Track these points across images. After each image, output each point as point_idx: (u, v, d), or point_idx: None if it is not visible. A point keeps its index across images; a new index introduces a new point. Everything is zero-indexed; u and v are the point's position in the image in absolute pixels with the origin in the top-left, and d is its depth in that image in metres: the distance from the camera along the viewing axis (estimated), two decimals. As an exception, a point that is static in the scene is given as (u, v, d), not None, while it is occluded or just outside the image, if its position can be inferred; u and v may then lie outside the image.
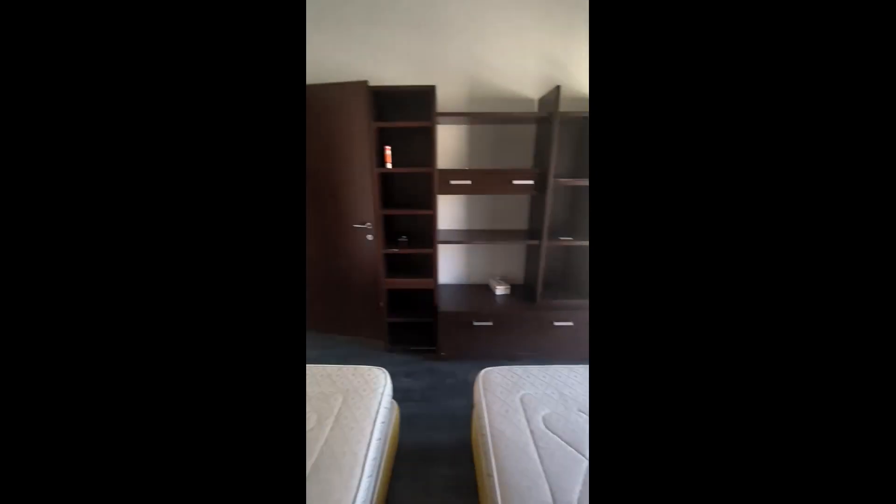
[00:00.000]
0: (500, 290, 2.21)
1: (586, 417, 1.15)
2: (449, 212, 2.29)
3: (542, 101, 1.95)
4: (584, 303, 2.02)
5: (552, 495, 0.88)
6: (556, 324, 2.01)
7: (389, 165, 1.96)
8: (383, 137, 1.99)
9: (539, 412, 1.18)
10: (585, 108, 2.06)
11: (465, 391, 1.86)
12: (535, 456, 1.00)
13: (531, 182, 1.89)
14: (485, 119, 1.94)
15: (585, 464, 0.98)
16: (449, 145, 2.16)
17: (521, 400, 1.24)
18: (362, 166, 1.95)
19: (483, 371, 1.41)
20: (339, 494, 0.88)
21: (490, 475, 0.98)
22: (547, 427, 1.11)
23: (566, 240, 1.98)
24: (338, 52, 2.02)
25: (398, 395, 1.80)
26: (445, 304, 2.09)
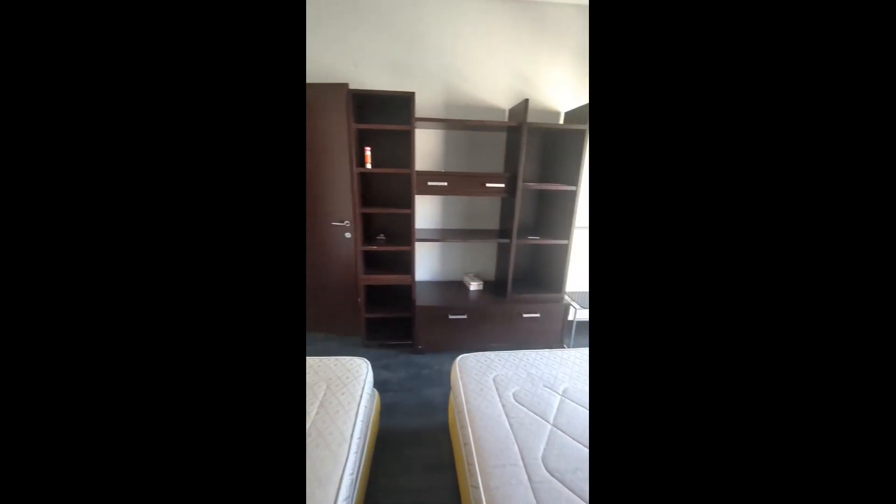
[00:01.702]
0: (474, 286, 2.35)
1: (550, 391, 1.31)
2: (426, 211, 2.40)
3: (512, 111, 2.13)
4: (550, 296, 2.22)
5: (520, 452, 1.02)
6: (525, 315, 2.18)
7: (369, 166, 2.03)
8: (363, 139, 2.06)
9: (510, 389, 1.32)
10: (551, 119, 2.28)
11: (442, 381, 1.96)
12: (507, 425, 1.14)
13: (502, 185, 2.05)
14: (460, 126, 2.08)
15: (549, 427, 1.13)
16: (426, 148, 2.28)
17: (494, 380, 1.37)
18: (342, 166, 2.00)
19: (459, 357, 1.53)
20: (330, 466, 0.95)
21: (467, 444, 1.10)
22: (516, 401, 1.26)
23: (534, 239, 2.17)
24: (320, 53, 2.06)
25: (377, 386, 1.87)
26: (422, 299, 2.19)
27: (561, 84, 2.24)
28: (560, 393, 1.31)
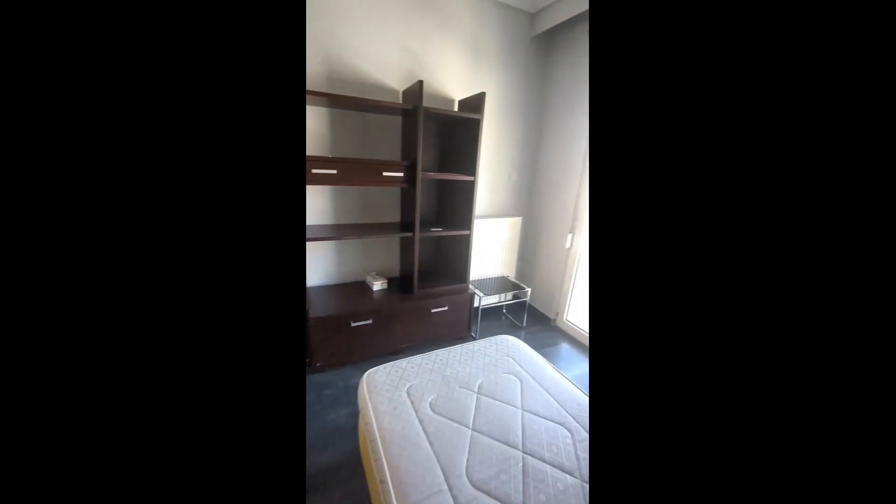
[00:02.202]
0: (377, 285, 2.15)
1: (466, 391, 1.26)
2: (314, 205, 2.04)
3: (406, 93, 1.97)
4: (456, 287, 2.21)
5: (444, 473, 0.93)
6: (434, 311, 2.12)
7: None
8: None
9: (426, 399, 1.21)
10: (445, 105, 2.21)
11: (349, 399, 1.73)
12: (426, 443, 1.03)
13: (401, 174, 1.89)
14: (348, 104, 1.79)
15: (469, 432, 1.07)
16: (307, 129, 1.90)
17: (408, 392, 1.24)
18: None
19: (366, 374, 1.34)
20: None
21: (384, 481, 0.94)
22: (434, 411, 1.16)
23: (437, 231, 2.10)
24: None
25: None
26: (317, 308, 1.87)
27: (452, 70, 2.18)
28: (476, 391, 1.28)
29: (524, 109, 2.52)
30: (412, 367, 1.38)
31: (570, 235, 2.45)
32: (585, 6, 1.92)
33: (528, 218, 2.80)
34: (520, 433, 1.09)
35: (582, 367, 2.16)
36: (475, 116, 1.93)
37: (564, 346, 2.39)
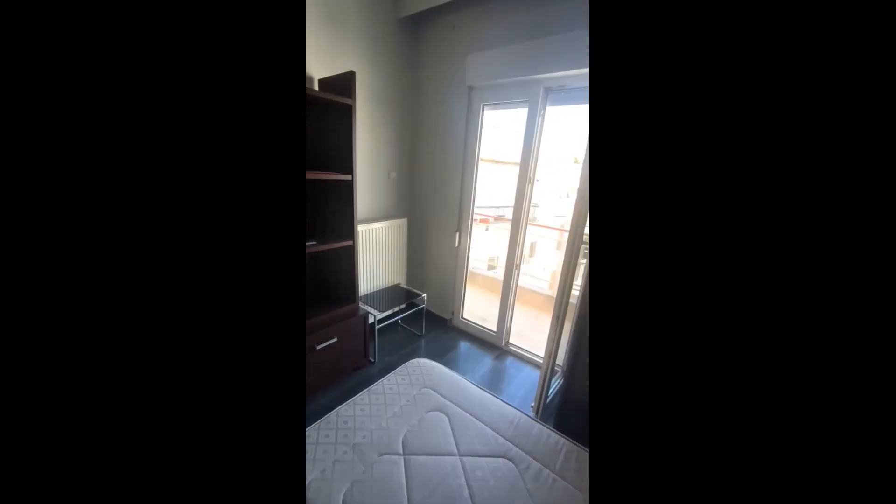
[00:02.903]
0: (228, 330, 1.52)
1: (390, 458, 0.98)
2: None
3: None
4: (345, 310, 1.82)
5: None
6: (319, 347, 1.67)
7: None
8: None
9: (336, 498, 0.86)
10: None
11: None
12: (352, 574, 0.71)
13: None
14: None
15: (409, 525, 0.82)
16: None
17: (309, 492, 0.86)
18: None
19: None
20: None
21: None
22: (353, 511, 0.83)
23: (311, 245, 1.64)
24: None
25: None
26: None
27: (307, 40, 1.71)
28: (401, 452, 1.01)
29: (398, 99, 2.29)
30: (311, 449, 0.98)
31: (457, 234, 2.43)
32: (449, -3, 1.83)
33: (413, 219, 2.63)
34: (467, 492, 0.90)
35: (486, 363, 2.20)
36: (346, 101, 1.57)
37: (464, 345, 2.39)
